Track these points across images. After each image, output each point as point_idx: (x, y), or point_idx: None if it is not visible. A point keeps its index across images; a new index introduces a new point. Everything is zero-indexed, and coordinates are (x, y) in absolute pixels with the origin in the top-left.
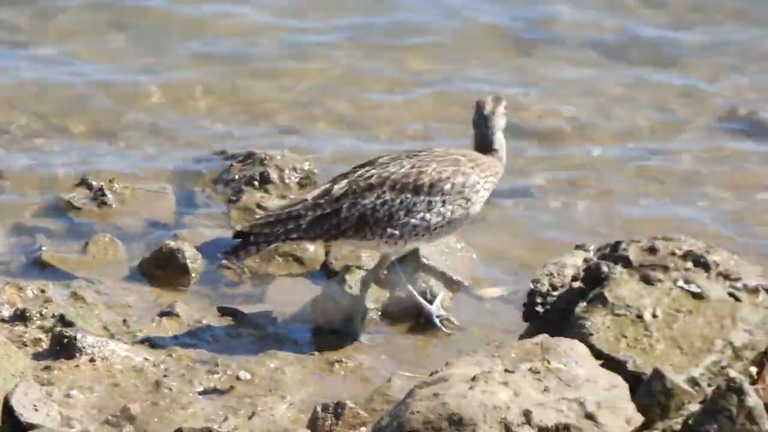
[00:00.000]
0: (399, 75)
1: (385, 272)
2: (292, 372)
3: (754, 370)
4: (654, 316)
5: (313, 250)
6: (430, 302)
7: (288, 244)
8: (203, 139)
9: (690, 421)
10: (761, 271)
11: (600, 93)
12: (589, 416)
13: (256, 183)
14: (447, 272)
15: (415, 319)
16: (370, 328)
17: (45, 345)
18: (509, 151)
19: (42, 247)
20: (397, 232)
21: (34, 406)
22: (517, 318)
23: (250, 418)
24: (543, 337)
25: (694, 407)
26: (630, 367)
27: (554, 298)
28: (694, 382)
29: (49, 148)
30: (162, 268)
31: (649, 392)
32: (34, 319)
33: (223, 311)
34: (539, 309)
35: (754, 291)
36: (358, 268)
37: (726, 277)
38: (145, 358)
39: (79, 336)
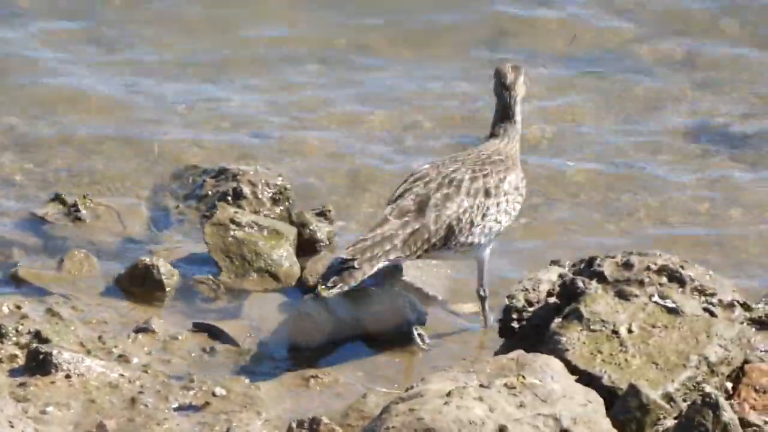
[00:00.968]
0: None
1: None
2: (267, 388)
3: (729, 385)
4: (629, 331)
5: (288, 265)
6: (411, 317)
7: (389, 263)
8: (178, 153)
9: None
10: (736, 286)
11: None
12: None
13: (229, 198)
14: (423, 287)
15: (390, 334)
16: (342, 345)
17: (21, 361)
18: None
19: (17, 263)
20: (477, 240)
21: (10, 422)
22: (493, 333)
23: None
24: (518, 353)
25: (670, 423)
26: (606, 382)
27: (530, 314)
28: (669, 397)
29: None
30: (137, 284)
31: (625, 408)
32: (10, 335)
33: (199, 327)
34: (515, 325)
35: (730, 306)
36: None
37: (701, 292)
38: (121, 375)
39: (54, 352)
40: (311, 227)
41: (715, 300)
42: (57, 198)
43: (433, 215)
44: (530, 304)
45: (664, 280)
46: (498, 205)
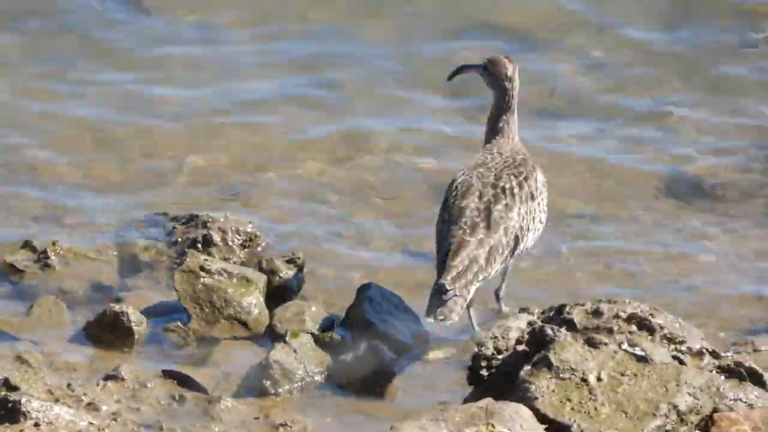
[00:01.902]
0: None
1: (331, 335)
2: None
3: None
4: (599, 379)
5: (257, 312)
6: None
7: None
8: (147, 201)
9: None
10: (705, 334)
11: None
12: None
13: (199, 245)
14: (394, 335)
15: (360, 382)
16: (312, 392)
17: None
18: None
19: None
20: (531, 244)
21: None
22: (462, 380)
23: None
24: (488, 401)
25: None
26: (575, 431)
27: (499, 362)
28: None
29: None
30: (107, 331)
31: None
32: None
33: (168, 374)
34: (484, 372)
35: (699, 354)
36: (303, 331)
37: (670, 340)
38: (90, 423)
39: (23, 400)
40: (281, 274)
41: (684, 348)
42: (26, 245)
43: (501, 228)
44: (499, 351)
45: (634, 328)
46: (539, 204)
